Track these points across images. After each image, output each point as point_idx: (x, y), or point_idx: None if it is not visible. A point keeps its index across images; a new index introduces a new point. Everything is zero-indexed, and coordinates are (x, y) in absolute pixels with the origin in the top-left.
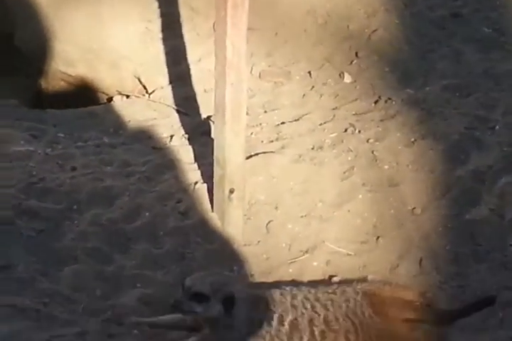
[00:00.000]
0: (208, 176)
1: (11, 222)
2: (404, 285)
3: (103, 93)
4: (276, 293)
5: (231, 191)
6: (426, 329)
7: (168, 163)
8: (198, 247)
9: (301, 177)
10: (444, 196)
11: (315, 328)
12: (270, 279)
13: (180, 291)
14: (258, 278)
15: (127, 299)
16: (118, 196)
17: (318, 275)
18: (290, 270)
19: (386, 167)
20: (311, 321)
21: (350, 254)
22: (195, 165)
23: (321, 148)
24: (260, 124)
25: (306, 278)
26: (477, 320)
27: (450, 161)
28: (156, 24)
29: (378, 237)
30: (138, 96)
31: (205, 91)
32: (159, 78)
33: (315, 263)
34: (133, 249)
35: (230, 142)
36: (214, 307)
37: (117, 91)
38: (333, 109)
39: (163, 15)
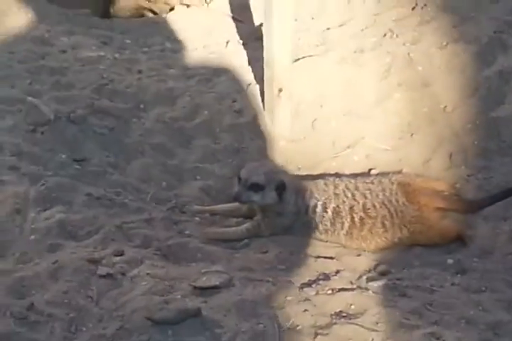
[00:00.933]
0: (260, 78)
1: (84, 120)
2: (435, 177)
3: (166, 4)
4: (320, 183)
5: (279, 90)
6: (454, 217)
7: (224, 66)
8: (251, 143)
9: (343, 78)
10: (473, 95)
11: (355, 215)
12: (315, 172)
13: (236, 183)
14: (304, 171)
15: (189, 189)
16: (179, 96)
17: (358, 169)
18: (333, 164)
19: (420, 68)
20: (351, 208)
21: (388, 149)
22: (249, 68)
23: (362, 51)
24: (308, 29)
25: (347, 172)
26: (500, 209)
27: (479, 63)
28: None
29: (413, 134)
30: (197, 6)
31: None
32: None
33: (356, 158)
34: (193, 144)
35: (278, 45)
36: (268, 195)
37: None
38: (375, 14)
39: None
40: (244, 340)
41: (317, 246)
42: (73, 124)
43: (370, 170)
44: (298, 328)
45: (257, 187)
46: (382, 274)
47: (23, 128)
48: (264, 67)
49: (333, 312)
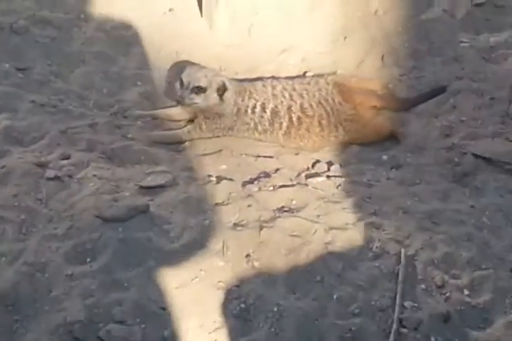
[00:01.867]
0: None
1: (27, 30)
2: (369, 77)
3: None
4: (258, 84)
5: None
6: (388, 115)
7: None
8: (189, 48)
9: None
10: None
11: (293, 114)
12: (253, 76)
13: (178, 86)
14: (241, 76)
15: (130, 95)
16: None
17: (294, 72)
18: (269, 68)
19: None
20: (289, 108)
21: (322, 52)
22: None
23: None
24: None
25: (283, 75)
26: (432, 106)
27: None
28: None
29: (346, 37)
30: None
31: None
32: None
33: (291, 61)
34: (133, 52)
35: None
36: (210, 96)
37: None
38: None
39: None
40: (191, 235)
41: (256, 146)
42: (15, 34)
43: (305, 72)
44: (243, 222)
45: (199, 90)
46: (321, 171)
47: None
48: None
49: (275, 207)
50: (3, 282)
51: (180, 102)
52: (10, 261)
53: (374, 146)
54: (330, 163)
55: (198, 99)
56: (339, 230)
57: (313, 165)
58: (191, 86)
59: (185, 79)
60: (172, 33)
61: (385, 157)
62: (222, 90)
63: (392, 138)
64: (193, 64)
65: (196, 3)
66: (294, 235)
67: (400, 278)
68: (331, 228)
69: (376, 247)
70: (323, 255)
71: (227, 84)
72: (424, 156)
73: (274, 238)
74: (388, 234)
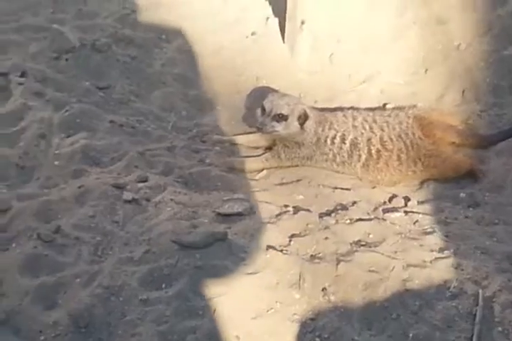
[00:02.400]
0: (278, 11)
1: (109, 48)
2: (449, 112)
3: None
4: (339, 115)
5: (302, 22)
6: (467, 152)
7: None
8: (271, 75)
9: (361, 14)
10: (485, 34)
11: (372, 147)
12: (332, 105)
13: (259, 113)
14: (321, 104)
15: (209, 119)
16: None
17: (373, 103)
18: (349, 97)
19: (435, 7)
20: (369, 140)
21: (402, 84)
22: (267, 2)
23: None
24: None
25: (363, 105)
26: None
27: (492, 2)
28: None
29: (427, 69)
30: None
31: None
32: None
33: (371, 92)
34: (214, 75)
35: None
36: (291, 124)
37: None
38: None
39: None
40: (267, 265)
41: (334, 178)
42: (97, 52)
43: (385, 104)
44: (320, 255)
45: (280, 117)
46: (398, 207)
47: (47, 55)
48: None
49: (352, 241)
50: (78, 304)
51: (260, 129)
52: (85, 283)
53: (451, 183)
54: (407, 199)
55: (279, 127)
56: (417, 268)
57: (390, 200)
58: (273, 113)
59: (267, 106)
60: (253, 58)
61: (462, 195)
62: (303, 119)
63: (470, 175)
64: (274, 90)
65: (278, 29)
66: (372, 270)
67: (477, 319)
68: (409, 265)
69: (454, 287)
70: (400, 292)
71: (309, 112)
72: (502, 196)
73: (352, 272)
74: (466, 274)
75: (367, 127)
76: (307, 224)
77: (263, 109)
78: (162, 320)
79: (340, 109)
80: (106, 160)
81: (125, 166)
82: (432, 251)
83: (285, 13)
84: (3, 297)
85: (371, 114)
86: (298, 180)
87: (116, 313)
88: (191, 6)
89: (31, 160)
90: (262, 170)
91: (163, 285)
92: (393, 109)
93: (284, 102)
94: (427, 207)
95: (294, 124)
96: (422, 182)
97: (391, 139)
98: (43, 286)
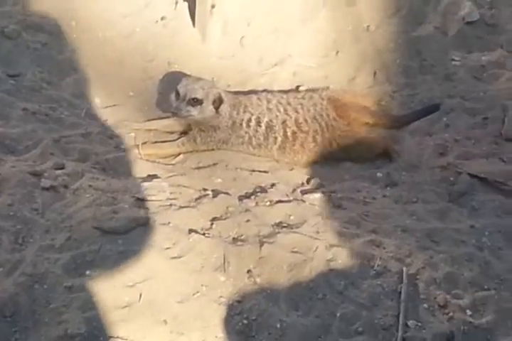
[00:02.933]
0: None
1: (19, 35)
2: (362, 94)
3: None
4: (253, 98)
5: (212, 6)
6: (382, 132)
7: None
8: (182, 59)
9: None
10: (394, 15)
11: (287, 129)
12: (245, 89)
13: (173, 98)
14: (234, 88)
15: (122, 105)
16: None
17: (286, 86)
18: (262, 81)
19: None
20: (284, 122)
21: (314, 67)
22: None
23: None
24: None
25: (276, 88)
26: (425, 124)
27: None
28: None
29: (338, 52)
30: None
31: None
32: None
33: (283, 75)
34: (126, 62)
35: None
36: (207, 108)
37: None
38: None
39: None
40: (191, 249)
41: (251, 161)
42: (7, 39)
43: (298, 86)
44: (243, 237)
45: (195, 102)
46: (316, 187)
47: None
48: None
49: (273, 223)
50: (1, 293)
51: (176, 114)
52: (7, 272)
53: (367, 164)
54: (324, 179)
55: (194, 112)
56: (340, 247)
57: (307, 181)
58: (188, 97)
59: (181, 91)
60: (164, 43)
61: (379, 174)
62: (218, 103)
63: (385, 155)
64: (187, 75)
65: (188, 13)
66: (295, 251)
67: (403, 296)
68: (332, 245)
69: (378, 265)
70: (324, 272)
71: (223, 96)
72: (418, 175)
73: (276, 254)
74: (389, 253)
75: (281, 109)
76: (227, 207)
77: (177, 94)
78: (88, 306)
79: (254, 92)
80: (21, 148)
81: (40, 154)
82: (353, 230)
83: None
84: None
85: (285, 96)
86: (215, 164)
87: (41, 301)
88: None
89: None
90: (179, 154)
91: (87, 272)
92: (306, 91)
93: (199, 86)
94: (345, 188)
95: (209, 108)
96: (338, 163)
97: (306, 121)
98: None
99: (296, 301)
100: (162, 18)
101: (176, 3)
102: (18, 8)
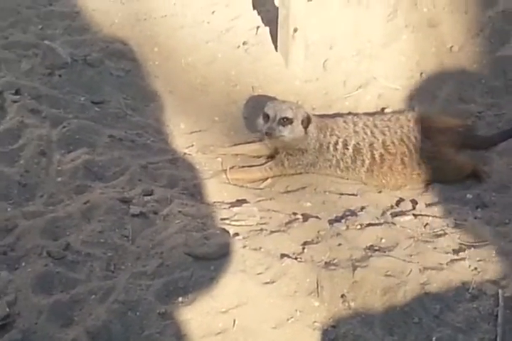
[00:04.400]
0: (268, 19)
1: (101, 62)
2: (448, 115)
3: None
4: (339, 121)
5: (295, 30)
6: (469, 153)
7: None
8: (266, 84)
9: (351, 17)
10: (477, 35)
11: (375, 152)
12: (330, 112)
13: (262, 120)
14: (318, 111)
15: (208, 131)
16: None
17: (371, 108)
18: (346, 103)
19: (425, 10)
20: (371, 145)
21: (398, 89)
22: (255, 12)
23: None
24: None
25: (361, 111)
26: None
27: (482, 3)
28: None
29: (422, 73)
30: None
31: None
32: None
33: (368, 97)
34: (210, 88)
35: None
36: (297, 128)
37: None
38: None
39: None
40: (283, 274)
41: (339, 184)
42: (90, 67)
43: (383, 108)
44: (335, 261)
45: (285, 121)
46: (406, 209)
47: (40, 72)
48: (279, 7)
49: (365, 246)
50: (95, 320)
51: (269, 134)
52: (100, 299)
53: (457, 185)
54: (414, 202)
55: (285, 132)
56: (434, 270)
57: (397, 204)
58: (278, 117)
59: (270, 112)
60: (247, 68)
61: (469, 196)
62: (306, 122)
63: (474, 177)
64: (272, 98)
65: (269, 37)
66: (389, 275)
67: (500, 320)
68: (426, 268)
69: (473, 288)
70: (419, 296)
71: (311, 116)
72: (509, 195)
73: (369, 278)
74: (484, 275)
75: (368, 132)
76: (318, 231)
77: (265, 116)
78: (182, 333)
79: (339, 115)
80: (108, 175)
81: (128, 180)
82: (446, 253)
83: (276, 21)
84: (17, 316)
85: (371, 118)
86: (303, 188)
87: (135, 328)
88: (183, 18)
89: (33, 177)
90: (267, 178)
91: (180, 298)
92: (392, 113)
93: (287, 106)
94: (435, 210)
95: (298, 128)
96: (427, 185)
97: (393, 143)
98: (58, 304)
99: (391, 326)
100: (244, 43)
101: (258, 28)
102: (99, 36)
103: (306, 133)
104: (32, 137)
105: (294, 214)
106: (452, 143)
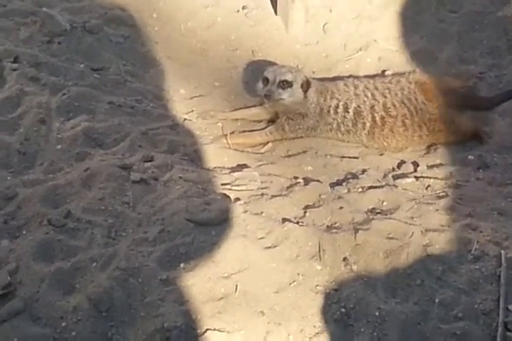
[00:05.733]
0: None
1: (100, 29)
2: (449, 76)
3: None
4: (340, 84)
5: None
6: (472, 114)
7: None
8: (266, 48)
9: None
10: None
11: (376, 114)
12: (330, 75)
13: (261, 84)
14: (319, 74)
15: (208, 96)
16: None
17: (372, 70)
18: (347, 66)
19: None
20: (372, 108)
21: (398, 50)
22: None
23: None
24: None
25: (361, 73)
26: None
27: None
28: None
29: (421, 34)
30: None
31: None
32: None
33: (368, 60)
34: (208, 50)
35: None
36: (296, 91)
37: None
38: None
39: None
40: (285, 238)
41: (340, 147)
42: (89, 34)
43: (384, 71)
44: (337, 225)
45: (285, 84)
46: (407, 172)
47: (39, 39)
48: None
49: (367, 209)
50: (96, 287)
51: (268, 97)
52: (101, 266)
53: (458, 146)
54: (416, 164)
55: (285, 95)
56: (436, 232)
57: (398, 166)
58: (277, 80)
59: (270, 76)
60: (247, 32)
61: (471, 157)
62: (306, 86)
63: (475, 138)
64: (272, 63)
65: (269, 1)
66: (391, 237)
67: (503, 280)
68: (428, 230)
69: (475, 249)
70: (422, 257)
71: (310, 80)
72: (511, 156)
73: (371, 240)
74: (486, 236)
75: (369, 95)
76: (320, 195)
77: (265, 80)
78: (183, 299)
79: (340, 78)
80: (109, 142)
81: (129, 147)
82: (448, 214)
83: None
84: (19, 285)
85: (372, 81)
86: (304, 151)
87: (137, 295)
88: None
89: (32, 145)
90: (267, 143)
91: (182, 264)
92: (393, 75)
93: (287, 70)
94: (436, 171)
95: (298, 91)
96: (428, 147)
97: (394, 105)
98: (60, 272)
99: (394, 288)
100: (243, 8)
101: None
102: (98, 2)
103: (305, 97)
104: (31, 105)
105: (295, 178)
106: (453, 104)
